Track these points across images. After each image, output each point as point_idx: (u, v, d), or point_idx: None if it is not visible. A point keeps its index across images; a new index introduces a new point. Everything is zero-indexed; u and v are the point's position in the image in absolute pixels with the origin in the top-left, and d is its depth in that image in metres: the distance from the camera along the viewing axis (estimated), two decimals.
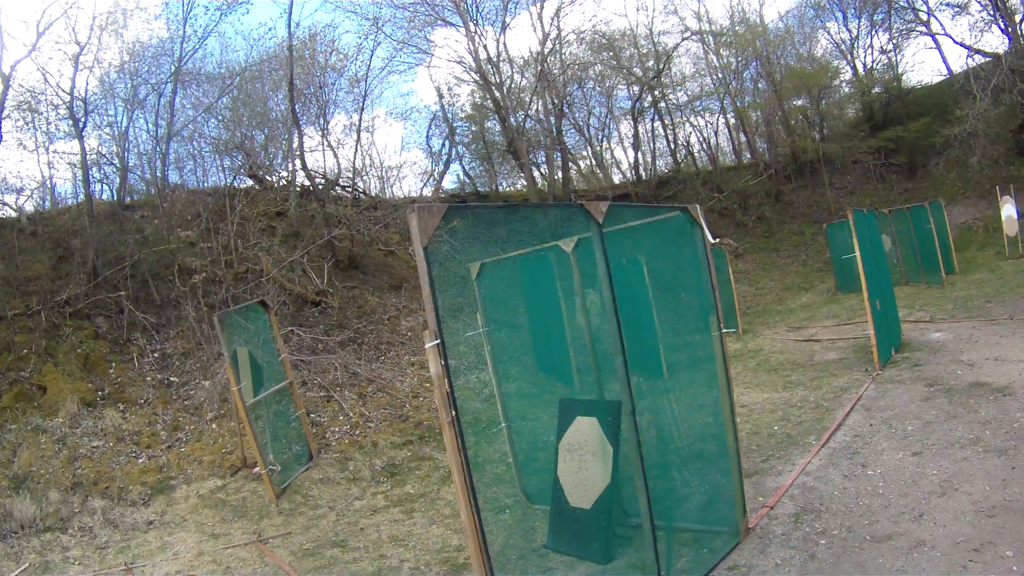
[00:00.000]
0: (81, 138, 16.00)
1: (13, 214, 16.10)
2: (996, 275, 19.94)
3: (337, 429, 11.89)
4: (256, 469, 10.26)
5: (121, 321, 13.37)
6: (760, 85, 32.70)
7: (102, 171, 17.46)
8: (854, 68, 33.35)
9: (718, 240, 6.89)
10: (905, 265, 21.75)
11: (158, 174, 17.40)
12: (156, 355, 13.10)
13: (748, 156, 33.29)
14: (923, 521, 6.45)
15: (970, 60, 28.89)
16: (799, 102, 32.79)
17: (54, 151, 21.38)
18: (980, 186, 26.34)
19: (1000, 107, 25.70)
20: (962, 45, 29.54)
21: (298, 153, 18.96)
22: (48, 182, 18.26)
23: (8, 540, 8.92)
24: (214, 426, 11.66)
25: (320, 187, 19.22)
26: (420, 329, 15.89)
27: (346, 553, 8.34)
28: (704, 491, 7.36)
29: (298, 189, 18.96)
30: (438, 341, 4.29)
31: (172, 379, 12.67)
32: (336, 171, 20.50)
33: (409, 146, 48.07)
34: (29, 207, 16.96)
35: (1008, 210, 22.30)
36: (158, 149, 17.31)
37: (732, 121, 33.30)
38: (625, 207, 8.20)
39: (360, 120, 21.17)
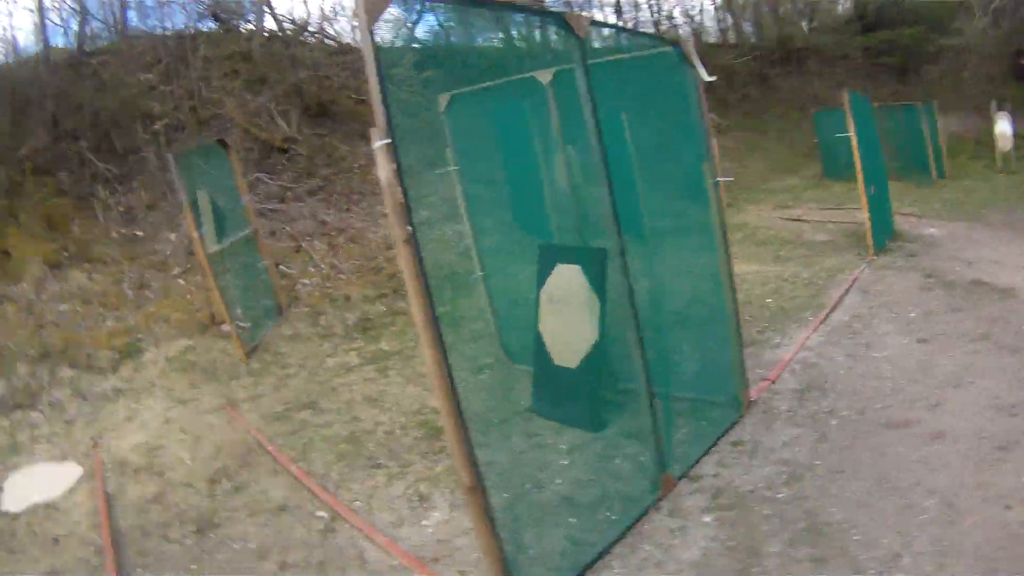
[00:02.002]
0: None
1: None
2: (988, 185, 19.45)
3: (308, 281, 11.14)
4: (224, 326, 9.57)
5: (83, 174, 12.34)
6: None
7: (61, 17, 16.09)
8: None
9: (715, 78, 6.11)
10: (894, 162, 20.50)
11: (117, 15, 15.93)
12: (121, 209, 12.14)
13: (734, 37, 31.74)
14: (940, 412, 5.94)
15: None
16: None
17: None
18: (974, 100, 25.46)
19: (998, 29, 25.33)
20: None
21: None
22: (7, 33, 16.76)
23: None
24: (181, 281, 10.84)
25: (288, 32, 17.91)
26: None
27: (317, 416, 7.76)
28: (700, 358, 6.71)
29: (265, 35, 17.56)
30: (388, 140, 3.50)
31: (137, 233, 11.77)
32: (306, 16, 19.14)
33: None
34: None
35: (1002, 125, 21.79)
36: None
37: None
38: (610, 27, 7.11)
39: None
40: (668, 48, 6.15)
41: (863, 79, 28.73)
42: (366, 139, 14.05)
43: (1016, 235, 12.71)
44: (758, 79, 28.99)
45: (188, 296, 10.56)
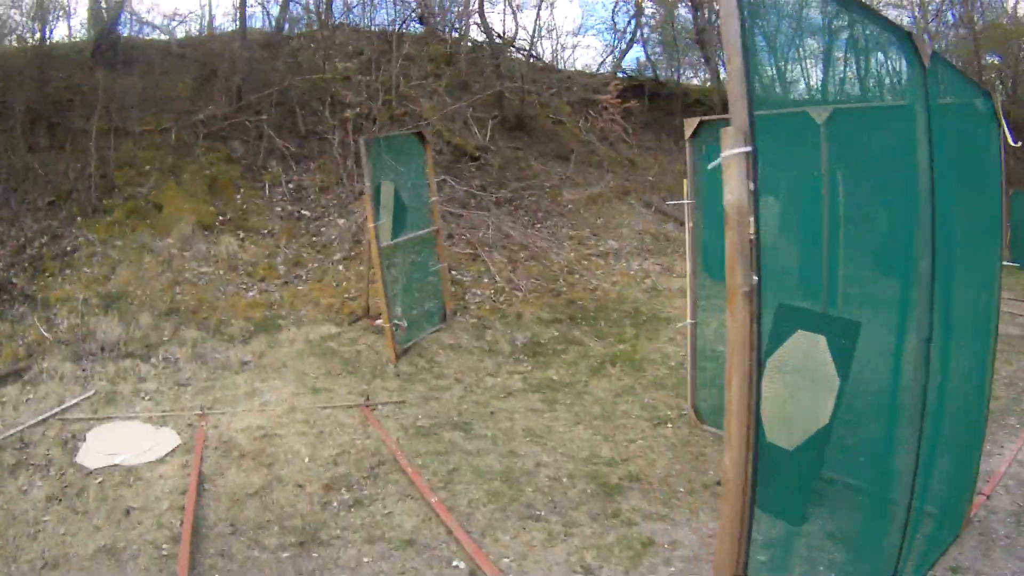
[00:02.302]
0: None
1: (165, 38, 14.41)
2: None
3: (479, 292, 9.69)
4: (379, 321, 8.19)
5: (259, 148, 11.42)
6: (961, 31, 27.77)
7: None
8: None
9: (1020, 143, 4.64)
10: None
11: (322, 4, 15.31)
12: (291, 186, 11.12)
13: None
14: None
15: None
16: (994, 59, 28.09)
17: None
18: None
19: None
20: None
21: (476, 8, 16.74)
22: (205, 9, 16.46)
23: (83, 361, 7.15)
24: (340, 267, 9.62)
25: (497, 43, 17.03)
26: (585, 202, 13.62)
27: (469, 440, 6.28)
28: (940, 462, 5.18)
29: (470, 44, 16.74)
30: (749, 148, 2.35)
31: (303, 212, 10.69)
32: (513, 32, 18.22)
33: (587, 28, 44.40)
34: (181, 33, 15.24)
35: None
36: None
37: None
38: (945, 62, 5.53)
39: None
40: (980, 99, 4.88)
41: None
42: (561, 160, 12.64)
43: None
44: None
45: (344, 283, 9.31)
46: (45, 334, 7.45)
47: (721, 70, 23.91)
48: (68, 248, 8.90)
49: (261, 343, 7.82)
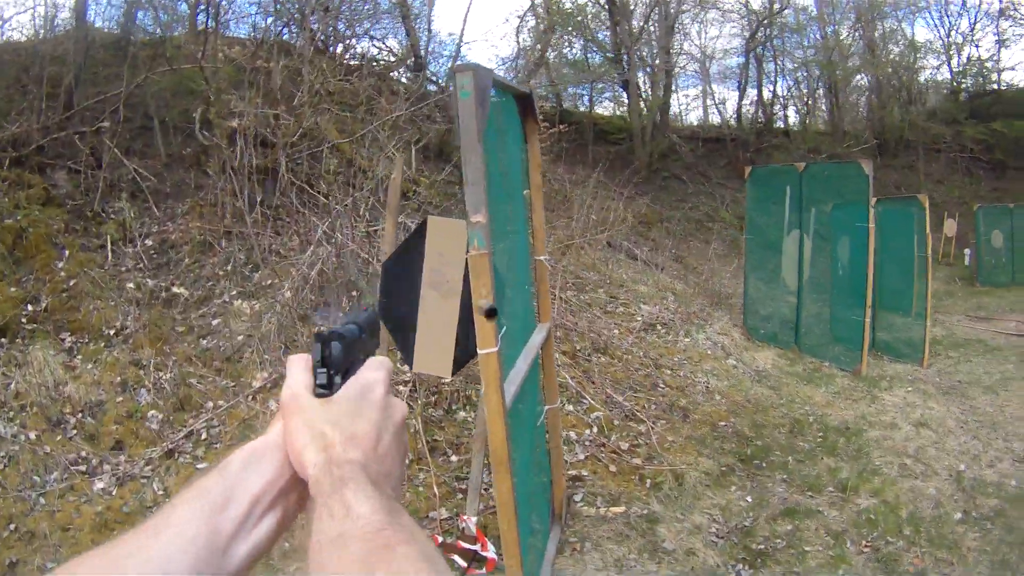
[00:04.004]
0: None
1: None
2: None
3: (573, 438, 5.80)
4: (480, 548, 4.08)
5: (96, 181, 7.05)
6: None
7: None
8: (948, 56, 29.09)
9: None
10: None
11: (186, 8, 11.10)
12: (149, 242, 6.84)
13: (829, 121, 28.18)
14: None
15: None
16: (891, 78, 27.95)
17: None
18: None
19: None
20: None
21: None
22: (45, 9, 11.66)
23: None
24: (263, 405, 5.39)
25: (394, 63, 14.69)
26: (559, 252, 10.42)
27: None
28: None
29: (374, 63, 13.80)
30: None
31: (175, 290, 6.40)
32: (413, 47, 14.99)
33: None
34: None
35: None
36: None
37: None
38: None
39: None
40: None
41: (960, 175, 26.20)
42: None
43: None
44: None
45: None
46: None
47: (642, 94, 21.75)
48: None
49: None
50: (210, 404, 5.25)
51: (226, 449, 4.91)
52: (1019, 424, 7.63)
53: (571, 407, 6.39)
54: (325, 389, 0.86)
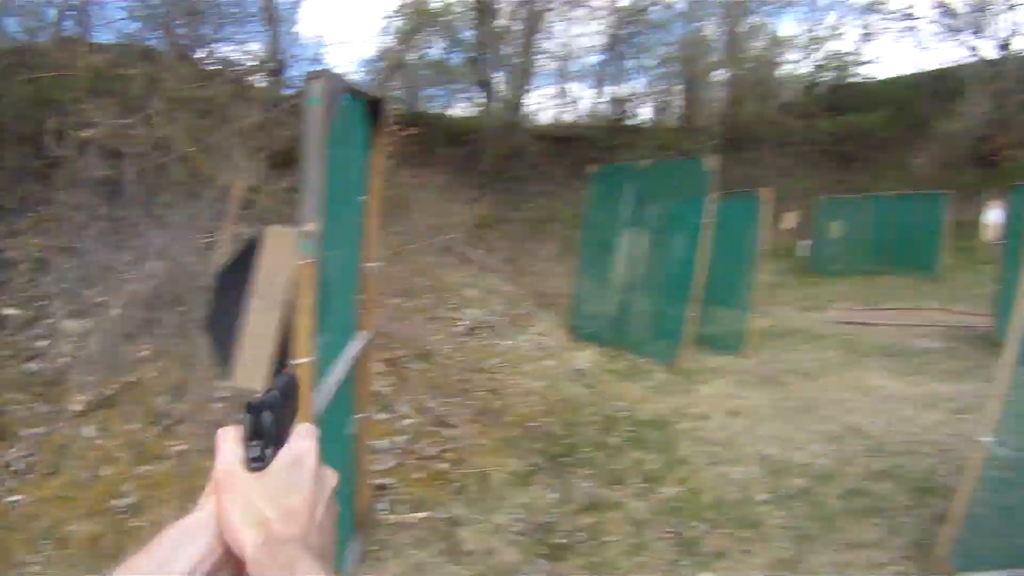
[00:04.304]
0: None
1: None
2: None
3: (383, 445, 5.92)
4: None
5: None
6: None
7: None
8: (811, 50, 29.97)
9: None
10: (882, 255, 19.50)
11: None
12: None
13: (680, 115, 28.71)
14: None
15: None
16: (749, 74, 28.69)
17: None
18: (925, 187, 22.60)
19: (964, 119, 24.29)
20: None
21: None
22: None
23: None
24: (86, 429, 5.43)
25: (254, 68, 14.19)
26: (393, 258, 10.41)
27: None
28: None
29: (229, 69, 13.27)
30: None
31: (5, 313, 6.37)
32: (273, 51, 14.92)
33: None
34: None
35: (996, 215, 19.24)
36: None
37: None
38: None
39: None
40: None
41: (806, 167, 26.80)
42: None
43: None
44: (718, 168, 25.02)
45: (114, 475, 5.10)
46: None
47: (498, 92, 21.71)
48: None
49: None
50: (27, 432, 5.29)
51: (41, 478, 4.97)
52: (834, 407, 7.99)
53: (384, 415, 6.53)
54: (259, 462, 0.84)
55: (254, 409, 0.86)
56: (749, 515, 5.42)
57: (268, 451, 0.85)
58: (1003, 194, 18.10)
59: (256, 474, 0.84)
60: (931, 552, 4.68)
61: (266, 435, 0.86)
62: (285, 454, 0.87)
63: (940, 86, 26.79)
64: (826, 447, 6.81)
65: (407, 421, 6.58)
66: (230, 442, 0.86)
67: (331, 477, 0.92)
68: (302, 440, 0.89)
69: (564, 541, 5.14)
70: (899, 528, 5.20)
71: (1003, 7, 26.20)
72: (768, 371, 9.54)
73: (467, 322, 9.50)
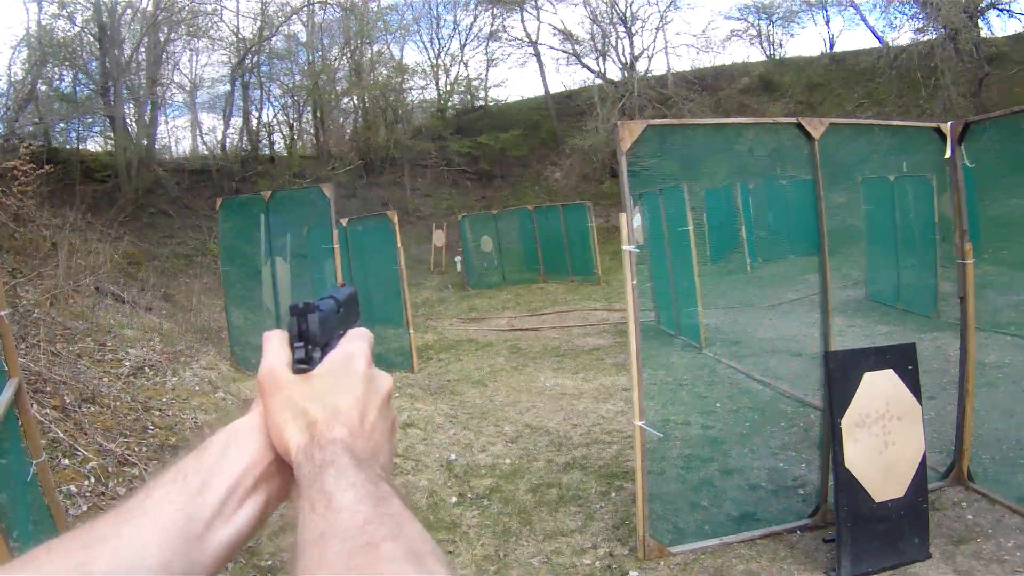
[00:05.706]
0: None
1: None
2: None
3: (73, 491, 5.58)
4: None
5: None
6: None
7: None
8: (436, 77, 31.57)
9: None
10: (535, 264, 20.44)
11: None
12: None
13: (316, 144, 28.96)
14: None
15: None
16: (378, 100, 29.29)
17: None
18: (565, 198, 25.00)
19: (595, 134, 26.04)
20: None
21: None
22: None
23: None
24: None
25: None
26: (46, 303, 9.57)
27: None
28: None
29: None
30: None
31: None
32: None
33: None
34: None
35: (635, 219, 20.84)
36: None
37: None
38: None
39: None
40: None
41: (448, 187, 27.86)
42: None
43: None
44: (351, 191, 25.50)
45: None
46: None
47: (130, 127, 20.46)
48: None
49: None
50: None
51: None
52: (508, 410, 8.11)
53: (67, 460, 6.00)
54: (304, 364, 0.76)
55: (299, 312, 0.78)
56: (444, 518, 5.44)
57: (315, 353, 0.78)
58: (638, 200, 19.95)
59: (302, 375, 0.76)
60: (634, 532, 4.67)
61: (312, 338, 0.78)
62: (333, 356, 0.79)
63: (569, 106, 28.95)
64: (508, 447, 6.86)
65: (91, 464, 6.07)
66: (274, 344, 0.79)
67: (385, 381, 0.80)
68: (352, 342, 0.81)
69: (270, 563, 5.01)
70: (597, 513, 5.28)
71: (624, 34, 29.26)
72: (438, 383, 9.48)
73: (130, 362, 8.90)
